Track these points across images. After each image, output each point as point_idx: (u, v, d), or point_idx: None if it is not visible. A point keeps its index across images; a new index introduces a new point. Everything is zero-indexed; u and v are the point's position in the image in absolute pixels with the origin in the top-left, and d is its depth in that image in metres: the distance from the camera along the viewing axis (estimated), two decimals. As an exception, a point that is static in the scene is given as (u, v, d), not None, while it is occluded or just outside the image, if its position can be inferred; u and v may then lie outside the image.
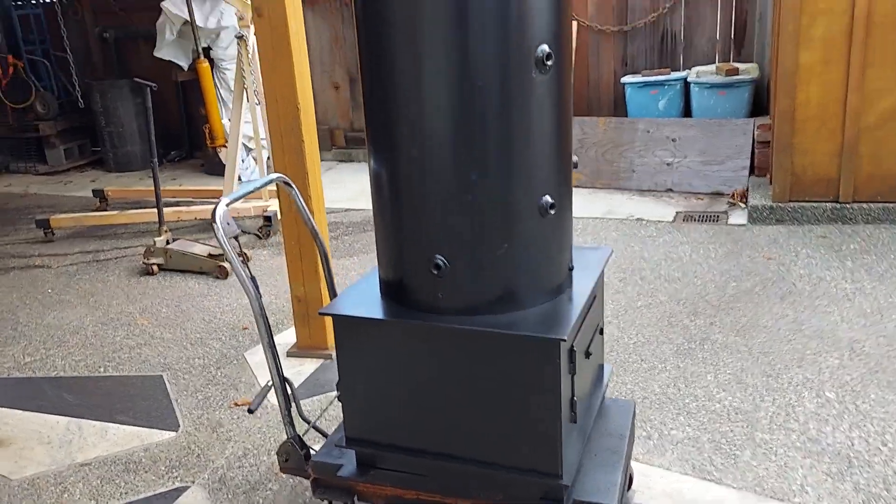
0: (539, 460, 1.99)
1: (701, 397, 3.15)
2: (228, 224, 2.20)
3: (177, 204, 6.35)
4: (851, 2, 4.72)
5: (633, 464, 2.72)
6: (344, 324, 2.09)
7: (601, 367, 2.48)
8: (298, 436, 2.35)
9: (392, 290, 2.11)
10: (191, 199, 6.55)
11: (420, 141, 1.90)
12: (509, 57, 1.82)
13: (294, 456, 2.35)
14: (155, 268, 4.94)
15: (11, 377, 3.67)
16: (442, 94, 1.85)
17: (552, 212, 1.96)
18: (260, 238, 5.54)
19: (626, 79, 6.69)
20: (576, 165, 2.15)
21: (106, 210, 6.50)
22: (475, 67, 1.82)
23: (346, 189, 6.89)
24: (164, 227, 5.00)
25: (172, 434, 3.07)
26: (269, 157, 7.88)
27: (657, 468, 2.73)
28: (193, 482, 2.76)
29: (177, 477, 2.80)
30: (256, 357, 3.71)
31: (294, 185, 2.53)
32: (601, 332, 2.38)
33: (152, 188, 4.92)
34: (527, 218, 1.95)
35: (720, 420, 2.98)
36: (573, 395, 2.03)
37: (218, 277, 4.80)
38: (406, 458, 2.14)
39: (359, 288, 2.24)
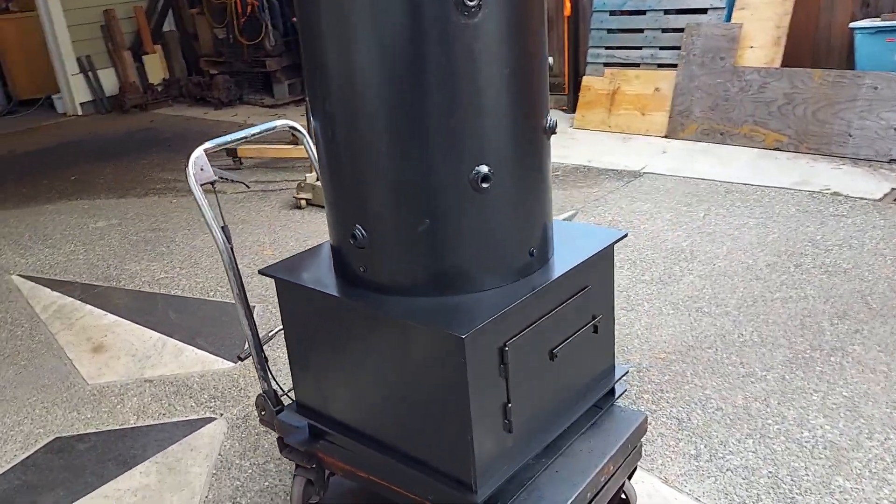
0: (455, 467, 1.75)
1: (789, 420, 2.58)
2: (202, 169, 2.18)
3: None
4: None
5: (660, 485, 2.33)
6: (281, 285, 1.99)
7: (605, 370, 2.11)
8: (273, 391, 2.31)
9: (334, 257, 1.95)
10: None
11: (332, 93, 1.69)
12: (423, -4, 1.53)
13: (268, 411, 2.32)
14: (303, 202, 5.17)
15: (142, 291, 4.09)
16: (353, 39, 1.61)
17: (485, 185, 1.65)
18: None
19: (857, 23, 5.56)
20: (552, 131, 1.79)
21: (297, 144, 6.94)
22: (386, 10, 1.55)
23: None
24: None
25: (230, 366, 3.22)
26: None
27: (685, 495, 2.29)
28: (221, 415, 2.88)
29: (211, 407, 2.93)
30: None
31: (304, 131, 2.43)
32: (595, 331, 2.00)
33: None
34: (452, 192, 1.66)
35: (799, 452, 2.42)
36: (508, 401, 1.74)
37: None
38: (345, 436, 2.00)
39: (316, 250, 2.11)
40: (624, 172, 5.39)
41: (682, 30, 6.17)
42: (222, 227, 2.19)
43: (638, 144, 6.05)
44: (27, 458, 2.70)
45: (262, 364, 2.30)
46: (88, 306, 3.91)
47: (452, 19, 1.54)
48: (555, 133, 1.81)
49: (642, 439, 2.14)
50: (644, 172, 5.37)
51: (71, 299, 4.01)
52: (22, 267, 4.57)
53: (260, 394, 2.32)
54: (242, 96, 9.27)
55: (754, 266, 3.76)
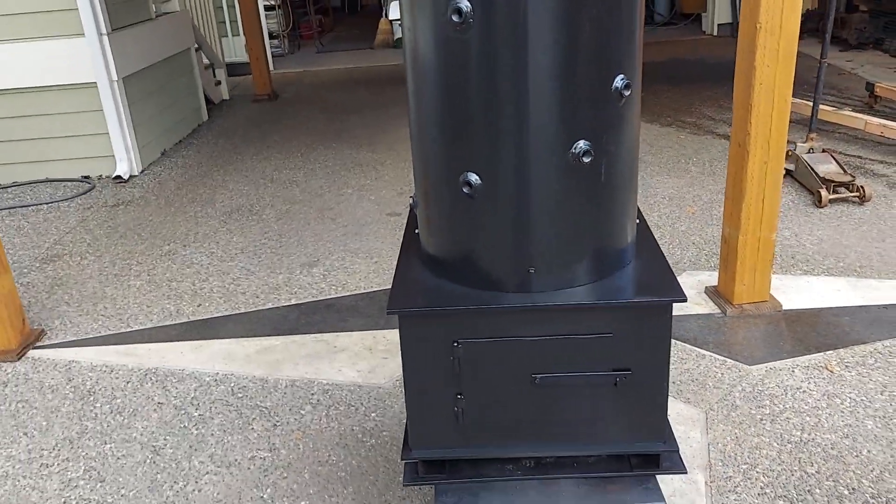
0: (413, 422, 1.99)
1: None
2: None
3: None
4: None
5: None
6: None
7: (636, 433, 1.88)
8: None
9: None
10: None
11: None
12: None
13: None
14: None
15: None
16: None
17: (466, 190, 1.72)
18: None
19: None
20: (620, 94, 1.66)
21: (873, 107, 6.13)
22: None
23: None
24: (812, 134, 4.67)
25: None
26: None
27: None
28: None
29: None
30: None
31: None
32: (615, 385, 1.81)
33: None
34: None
35: None
36: (459, 393, 1.86)
37: (815, 204, 4.35)
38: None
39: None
40: None
41: None
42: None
43: None
44: (307, 302, 3.67)
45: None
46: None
47: None
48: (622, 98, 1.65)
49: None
50: None
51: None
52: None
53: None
54: (882, 41, 8.18)
55: None
